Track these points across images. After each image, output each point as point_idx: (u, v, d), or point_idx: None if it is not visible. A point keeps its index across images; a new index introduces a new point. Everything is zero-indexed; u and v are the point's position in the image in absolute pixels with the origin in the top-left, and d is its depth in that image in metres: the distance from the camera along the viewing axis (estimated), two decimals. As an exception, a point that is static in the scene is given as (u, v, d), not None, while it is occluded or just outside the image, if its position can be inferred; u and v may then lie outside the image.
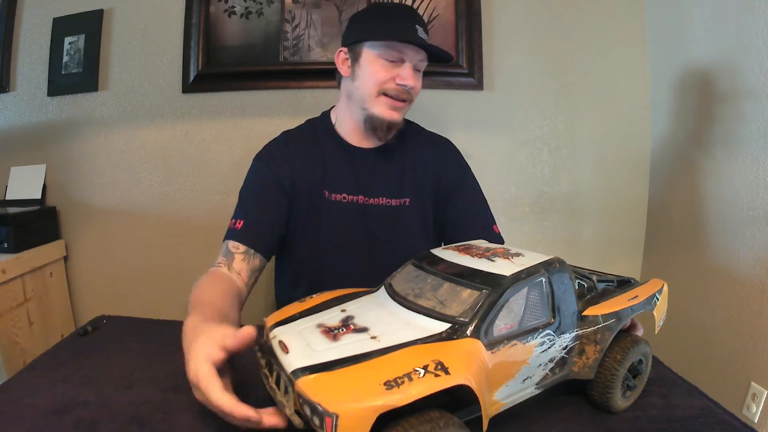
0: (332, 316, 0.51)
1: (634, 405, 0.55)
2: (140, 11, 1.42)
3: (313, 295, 0.58)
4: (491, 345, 0.44)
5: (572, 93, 1.42)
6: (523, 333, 0.46)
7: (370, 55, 0.86)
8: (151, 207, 1.47)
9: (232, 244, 0.84)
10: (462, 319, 0.45)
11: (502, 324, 0.45)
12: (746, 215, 1.06)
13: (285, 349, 0.45)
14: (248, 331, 0.48)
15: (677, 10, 1.28)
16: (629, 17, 1.41)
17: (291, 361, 0.42)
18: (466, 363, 0.41)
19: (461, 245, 0.60)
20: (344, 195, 0.92)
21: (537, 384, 0.49)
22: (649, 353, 0.57)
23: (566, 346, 0.50)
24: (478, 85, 1.39)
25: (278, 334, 0.48)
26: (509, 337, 0.46)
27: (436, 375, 0.38)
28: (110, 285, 1.50)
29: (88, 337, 0.72)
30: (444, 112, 1.41)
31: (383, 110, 0.87)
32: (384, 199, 0.93)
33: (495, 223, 0.97)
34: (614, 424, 0.51)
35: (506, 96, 1.42)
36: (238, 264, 0.82)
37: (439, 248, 0.59)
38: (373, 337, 0.44)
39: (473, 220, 0.96)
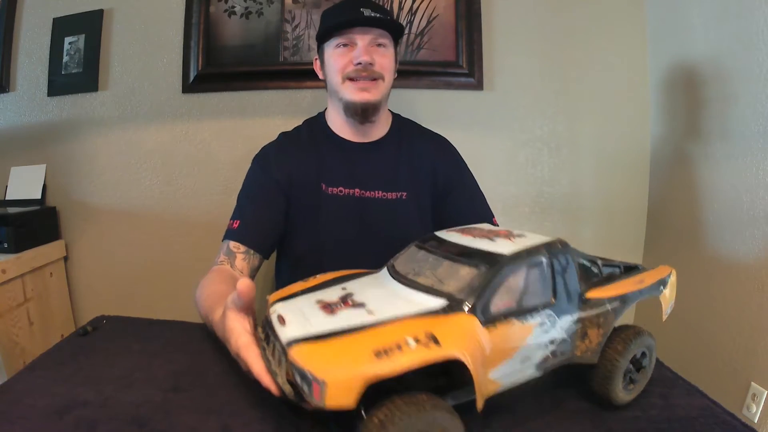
0: (332, 293, 0.51)
1: (634, 405, 0.55)
2: (140, 11, 1.42)
3: (317, 276, 0.59)
4: (488, 322, 0.44)
5: (572, 93, 1.42)
6: (522, 312, 0.46)
7: (329, 50, 0.91)
8: (151, 207, 1.47)
9: (233, 244, 0.86)
10: (458, 295, 0.45)
11: (500, 302, 0.45)
12: (746, 215, 1.06)
13: (282, 321, 0.46)
14: (242, 285, 0.50)
15: (677, 9, 1.28)
16: (629, 17, 1.41)
17: (286, 332, 0.43)
18: (459, 337, 0.41)
19: (464, 228, 0.60)
20: (341, 188, 0.93)
21: (537, 366, 0.48)
22: (653, 346, 0.56)
23: (568, 329, 0.49)
24: (478, 85, 1.39)
25: (278, 309, 0.49)
26: (507, 315, 0.45)
27: (427, 346, 0.38)
28: (110, 285, 1.49)
29: (88, 337, 0.72)
30: (444, 112, 1.41)
31: (352, 93, 0.89)
32: (380, 192, 0.94)
33: (493, 216, 0.99)
34: (614, 424, 0.51)
35: (506, 96, 1.42)
36: (240, 263, 0.85)
37: (443, 231, 0.59)
38: (369, 312, 0.45)
39: (473, 214, 0.97)
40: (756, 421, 1.00)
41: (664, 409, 0.54)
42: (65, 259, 1.48)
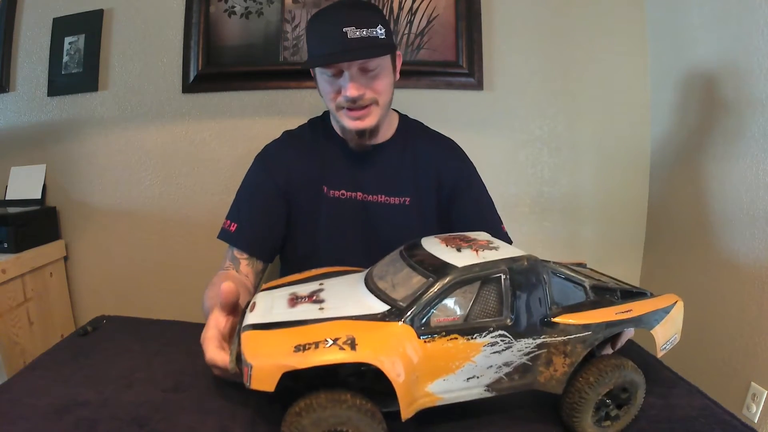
0: (308, 288, 0.54)
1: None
2: (140, 11, 1.42)
3: (312, 270, 0.62)
4: (425, 334, 0.44)
5: (572, 93, 1.42)
6: (469, 330, 0.45)
7: (317, 72, 0.86)
8: (151, 207, 1.47)
9: (236, 252, 0.88)
10: (401, 303, 0.46)
11: (442, 315, 0.45)
12: (746, 215, 1.06)
13: (253, 308, 0.50)
14: (225, 287, 0.56)
15: (677, 9, 1.28)
16: (629, 17, 1.41)
17: (248, 318, 0.48)
18: (382, 344, 0.42)
19: (450, 235, 0.58)
20: (342, 191, 0.92)
21: (488, 386, 0.47)
22: (639, 384, 0.50)
23: (529, 353, 0.47)
24: (478, 85, 1.39)
25: (257, 297, 0.54)
26: (449, 330, 0.44)
27: (342, 348, 0.41)
28: (110, 285, 1.49)
29: (88, 337, 0.72)
30: (444, 112, 1.41)
31: (347, 122, 0.85)
32: (383, 196, 0.93)
33: (502, 224, 0.97)
34: (614, 424, 0.51)
35: (506, 96, 1.42)
36: (245, 268, 0.88)
37: (430, 236, 0.58)
38: (321, 309, 0.48)
39: (480, 221, 0.93)
40: (756, 421, 1.00)
41: (664, 409, 0.54)
42: (65, 259, 1.48)
